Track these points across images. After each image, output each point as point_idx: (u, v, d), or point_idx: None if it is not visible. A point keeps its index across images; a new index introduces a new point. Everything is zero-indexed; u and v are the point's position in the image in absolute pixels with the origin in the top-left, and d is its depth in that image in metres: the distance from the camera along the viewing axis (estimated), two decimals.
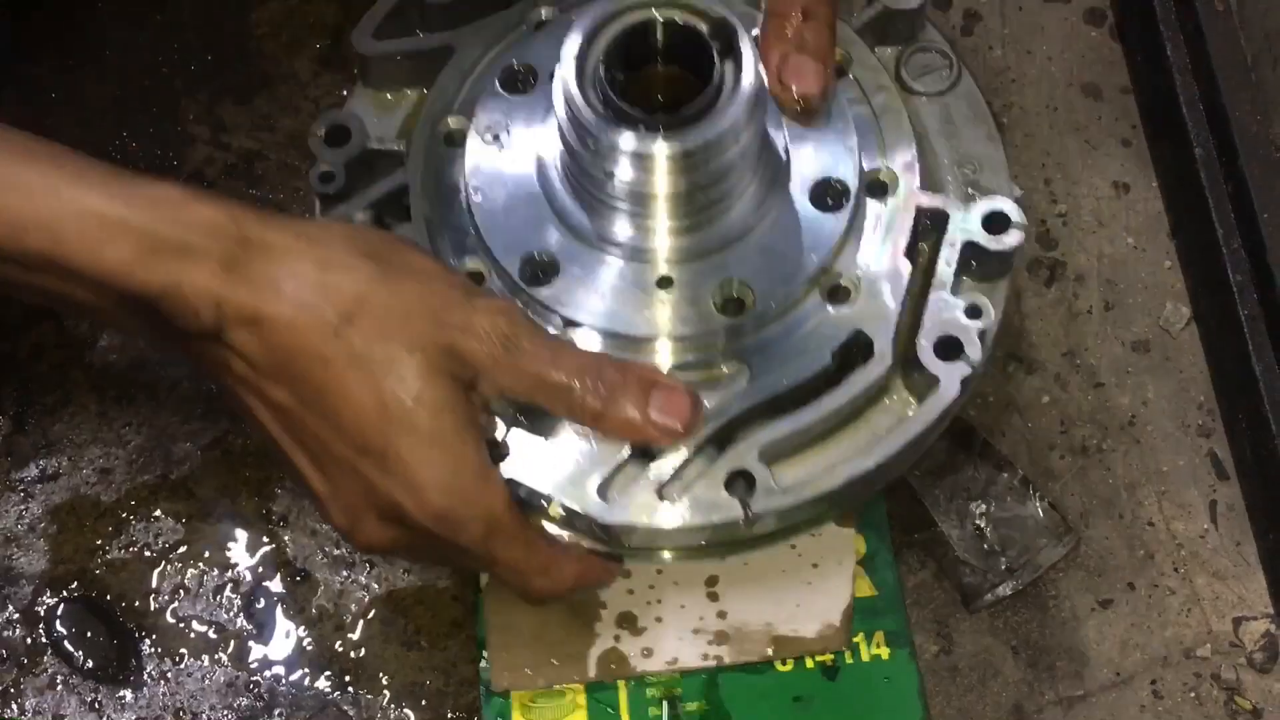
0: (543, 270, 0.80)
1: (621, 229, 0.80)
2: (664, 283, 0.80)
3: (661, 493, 0.77)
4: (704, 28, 0.76)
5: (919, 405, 0.80)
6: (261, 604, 0.96)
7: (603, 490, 0.76)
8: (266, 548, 0.98)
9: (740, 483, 0.77)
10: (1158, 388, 1.07)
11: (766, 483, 0.77)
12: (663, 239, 0.80)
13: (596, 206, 0.79)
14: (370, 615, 0.95)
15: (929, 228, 0.83)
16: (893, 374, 0.81)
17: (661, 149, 0.74)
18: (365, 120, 0.87)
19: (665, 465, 0.77)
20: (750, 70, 0.75)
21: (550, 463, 0.77)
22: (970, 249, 0.82)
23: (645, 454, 0.77)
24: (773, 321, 0.80)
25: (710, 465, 0.77)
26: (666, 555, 0.85)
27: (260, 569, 0.97)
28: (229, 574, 0.97)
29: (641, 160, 0.75)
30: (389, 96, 0.90)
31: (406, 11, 0.89)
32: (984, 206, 0.82)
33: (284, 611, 0.96)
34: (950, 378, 0.78)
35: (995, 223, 0.81)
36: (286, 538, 0.98)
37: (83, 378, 1.03)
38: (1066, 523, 0.99)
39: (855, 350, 0.81)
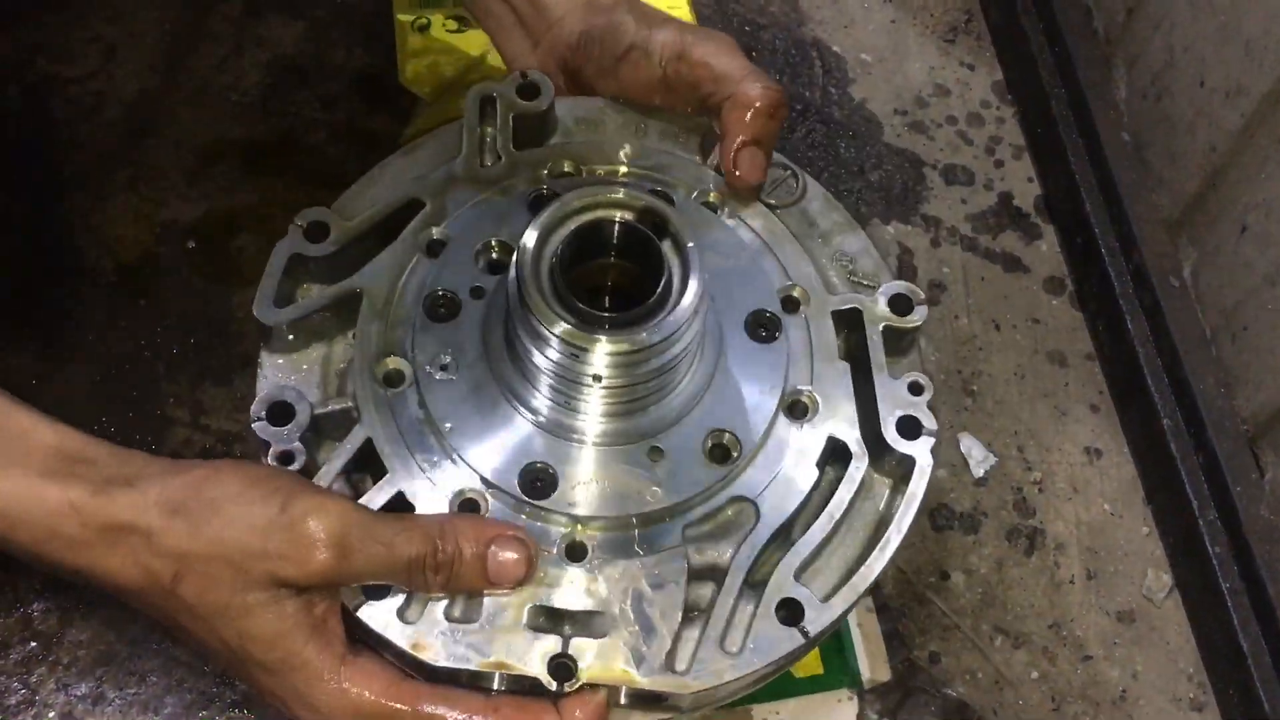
0: (540, 479, 0.81)
1: (604, 419, 0.82)
2: (655, 454, 0.82)
3: (725, 646, 0.78)
4: (648, 224, 0.81)
5: (899, 485, 0.84)
6: None
7: (670, 662, 0.77)
8: None
9: (785, 612, 0.79)
10: (1146, 659, 1.06)
11: (813, 601, 0.79)
12: (645, 416, 0.82)
13: (574, 403, 0.81)
14: None
15: (841, 324, 0.89)
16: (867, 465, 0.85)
17: (624, 347, 0.78)
18: (302, 389, 0.85)
19: (716, 621, 0.78)
20: (694, 285, 0.79)
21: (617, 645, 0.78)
22: (887, 332, 0.87)
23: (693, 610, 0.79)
24: (758, 454, 0.83)
25: (755, 605, 0.79)
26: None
27: None
28: None
29: (612, 357, 0.78)
30: (295, 357, 0.88)
31: (294, 270, 0.89)
32: (887, 292, 0.88)
33: None
34: (922, 452, 0.83)
35: (900, 305, 0.88)
36: None
37: None
38: None
39: (828, 454, 0.85)
